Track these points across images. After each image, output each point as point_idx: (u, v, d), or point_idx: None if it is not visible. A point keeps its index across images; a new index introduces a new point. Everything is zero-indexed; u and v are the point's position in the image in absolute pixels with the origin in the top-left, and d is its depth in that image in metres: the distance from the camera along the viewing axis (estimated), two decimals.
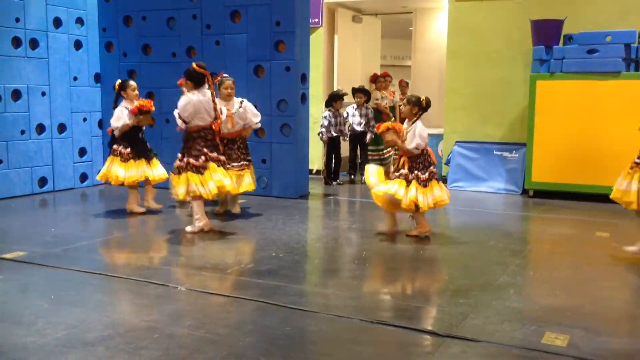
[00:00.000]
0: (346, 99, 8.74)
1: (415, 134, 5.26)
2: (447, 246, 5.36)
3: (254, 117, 6.20)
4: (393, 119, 8.89)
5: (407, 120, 5.46)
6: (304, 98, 7.51)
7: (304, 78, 7.47)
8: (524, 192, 7.81)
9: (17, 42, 7.27)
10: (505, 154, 8.10)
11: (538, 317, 3.50)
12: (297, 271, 4.53)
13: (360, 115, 8.61)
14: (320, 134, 8.47)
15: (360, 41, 10.43)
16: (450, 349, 3.08)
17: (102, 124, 8.23)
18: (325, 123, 8.43)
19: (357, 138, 8.74)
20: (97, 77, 8.29)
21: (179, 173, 5.40)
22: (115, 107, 6.26)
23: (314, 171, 9.24)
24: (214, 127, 5.46)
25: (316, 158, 9.13)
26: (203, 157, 5.37)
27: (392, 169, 5.69)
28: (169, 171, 5.86)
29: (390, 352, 3.08)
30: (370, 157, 9.20)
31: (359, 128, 8.60)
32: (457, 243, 5.44)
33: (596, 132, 7.22)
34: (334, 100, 8.50)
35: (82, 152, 8.12)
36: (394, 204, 5.34)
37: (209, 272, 4.34)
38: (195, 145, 5.39)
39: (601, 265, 4.69)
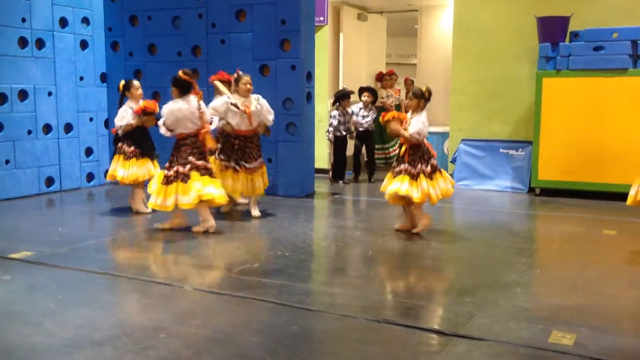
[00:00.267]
0: (352, 97, 8.73)
1: (419, 121, 5.34)
2: (454, 245, 5.35)
3: (269, 114, 6.14)
4: None
5: (411, 112, 5.51)
6: (310, 97, 7.51)
7: (310, 77, 7.46)
8: (531, 190, 7.78)
9: (23, 42, 7.29)
10: (512, 152, 8.07)
11: (545, 316, 3.49)
12: (303, 270, 4.54)
13: (365, 116, 8.58)
14: (328, 133, 8.46)
15: (366, 39, 10.41)
16: (456, 348, 3.08)
17: (109, 123, 8.25)
18: (335, 123, 8.42)
19: (363, 136, 8.73)
20: (104, 77, 8.31)
21: (168, 183, 5.38)
22: (120, 107, 6.29)
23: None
24: (199, 135, 5.43)
25: (322, 157, 9.13)
26: (189, 166, 5.37)
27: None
28: None
29: (397, 352, 3.08)
30: (376, 156, 9.20)
31: (365, 125, 8.58)
32: (464, 241, 5.43)
33: (603, 129, 7.19)
34: (341, 99, 8.49)
35: (89, 151, 8.14)
36: (404, 198, 5.35)
37: (216, 272, 4.35)
38: (182, 153, 5.40)
39: (609, 264, 4.67)
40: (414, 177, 5.29)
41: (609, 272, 4.47)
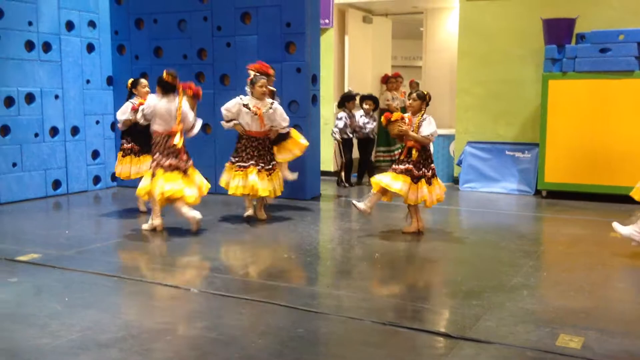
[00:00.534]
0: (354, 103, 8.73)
1: (432, 122, 5.44)
2: (460, 247, 5.34)
3: (283, 120, 6.12)
4: None
5: (411, 113, 5.58)
6: (315, 99, 7.52)
7: (315, 79, 7.47)
8: (537, 192, 7.76)
9: (30, 45, 7.33)
10: (518, 154, 8.05)
11: (552, 319, 3.47)
12: (309, 273, 4.54)
13: (365, 123, 8.56)
14: (334, 134, 8.46)
15: (371, 42, 10.41)
16: (463, 350, 3.06)
17: (115, 126, 8.28)
18: (341, 125, 8.42)
19: (362, 143, 8.71)
20: (110, 80, 8.35)
21: (153, 175, 5.56)
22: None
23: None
24: (171, 134, 5.52)
25: (327, 160, 9.13)
26: (154, 163, 5.51)
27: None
28: None
29: (403, 354, 3.07)
30: (382, 158, 9.20)
31: (366, 131, 8.56)
32: (470, 244, 5.42)
33: (609, 131, 7.16)
34: (346, 100, 8.49)
35: (95, 154, 8.17)
36: (388, 192, 5.47)
37: (221, 274, 4.35)
38: (154, 150, 5.58)
39: (616, 266, 4.65)
40: (415, 180, 5.36)
41: (616, 274, 4.45)
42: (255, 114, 5.94)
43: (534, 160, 7.82)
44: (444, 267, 4.83)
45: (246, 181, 5.92)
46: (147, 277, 4.28)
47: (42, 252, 4.92)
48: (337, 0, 9.44)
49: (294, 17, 7.22)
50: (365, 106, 8.60)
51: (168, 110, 5.52)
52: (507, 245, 5.23)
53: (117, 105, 8.14)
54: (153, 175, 5.52)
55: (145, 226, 5.73)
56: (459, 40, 8.56)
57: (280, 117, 6.09)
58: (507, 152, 8.10)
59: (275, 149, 6.30)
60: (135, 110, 6.12)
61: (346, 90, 9.17)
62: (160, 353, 3.02)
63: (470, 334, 3.23)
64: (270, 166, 6.09)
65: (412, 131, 5.42)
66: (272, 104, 6.05)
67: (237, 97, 6.10)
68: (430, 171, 5.47)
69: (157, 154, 5.53)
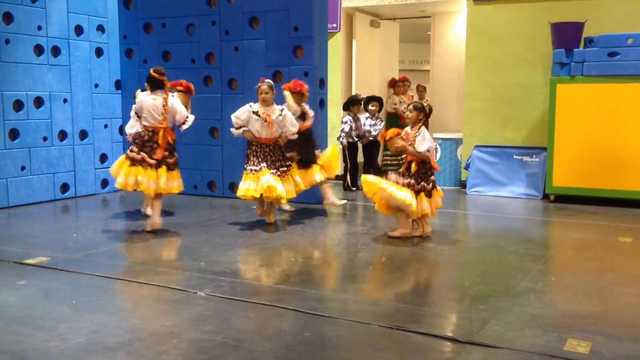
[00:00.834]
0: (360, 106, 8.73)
1: (425, 137, 5.43)
2: (467, 251, 5.33)
3: (292, 126, 6.13)
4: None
5: (410, 126, 5.59)
6: (322, 103, 7.52)
7: (322, 83, 7.48)
8: (545, 196, 7.73)
9: (39, 49, 7.38)
10: (526, 158, 8.02)
11: (560, 324, 3.45)
12: (316, 276, 4.53)
13: (372, 125, 8.57)
14: (340, 138, 8.46)
15: (379, 46, 10.42)
16: (470, 355, 3.05)
17: (123, 130, 8.32)
18: (347, 128, 8.42)
19: (369, 146, 8.70)
20: (118, 84, 8.39)
21: (132, 164, 5.74)
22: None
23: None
24: (156, 130, 5.64)
25: None
26: (132, 154, 5.69)
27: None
28: (182, 178, 5.96)
29: (410, 359, 3.06)
30: (389, 162, 9.17)
31: (375, 133, 8.56)
32: (477, 248, 5.40)
33: (618, 135, 7.13)
34: (352, 104, 8.49)
35: (103, 158, 8.21)
36: (393, 208, 5.50)
37: (229, 278, 4.35)
38: (137, 144, 5.74)
39: (624, 271, 4.62)
40: (416, 192, 5.41)
41: (624, 279, 4.42)
42: (265, 121, 5.95)
43: (542, 164, 7.79)
44: (451, 271, 4.82)
45: (258, 183, 5.88)
46: (154, 281, 4.29)
47: (50, 255, 4.94)
48: (344, 4, 9.45)
49: (301, 22, 7.24)
50: (371, 107, 8.59)
51: (155, 106, 5.64)
52: (515, 249, 5.21)
53: (125, 109, 8.19)
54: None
55: (148, 227, 5.79)
56: (466, 44, 8.55)
57: (290, 124, 6.10)
58: (515, 156, 8.08)
59: (316, 168, 6.52)
60: None
61: (353, 94, 9.18)
62: (167, 356, 3.02)
63: (477, 339, 3.22)
64: (285, 168, 6.12)
65: (410, 145, 5.43)
66: (282, 110, 6.06)
67: (247, 105, 6.10)
68: (430, 184, 5.49)
69: (134, 147, 5.70)
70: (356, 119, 8.48)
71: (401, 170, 5.55)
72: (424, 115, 5.51)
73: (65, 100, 7.69)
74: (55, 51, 7.57)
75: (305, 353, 3.08)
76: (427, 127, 5.76)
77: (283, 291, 4.08)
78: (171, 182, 5.73)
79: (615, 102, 7.16)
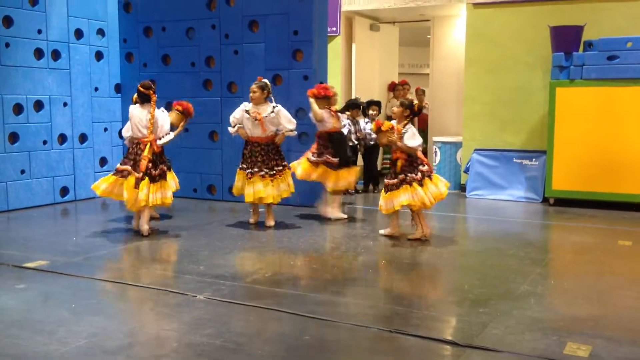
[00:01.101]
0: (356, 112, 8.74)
1: (415, 134, 5.53)
2: (467, 255, 5.32)
3: (288, 123, 6.12)
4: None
5: (396, 122, 5.66)
6: None
7: None
8: (545, 200, 7.73)
9: (39, 53, 7.39)
10: (525, 161, 8.03)
11: (560, 327, 3.45)
12: (315, 280, 4.53)
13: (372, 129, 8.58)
14: None
15: (378, 49, 10.43)
16: (470, 359, 3.05)
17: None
18: (345, 132, 8.41)
19: (369, 151, 8.71)
20: (118, 88, 8.40)
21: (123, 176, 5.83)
22: None
23: None
24: (142, 142, 5.71)
25: None
26: (126, 168, 5.74)
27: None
28: (181, 182, 5.97)
29: None
30: (389, 166, 9.17)
31: (374, 137, 8.56)
32: (477, 252, 5.40)
33: (617, 139, 7.14)
34: (351, 107, 8.50)
35: (103, 161, 8.21)
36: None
37: (228, 281, 4.35)
38: (126, 155, 5.88)
39: (624, 275, 4.62)
40: (410, 183, 5.45)
41: (624, 282, 4.42)
42: (256, 119, 5.98)
43: (542, 167, 7.80)
44: (451, 274, 4.82)
45: (250, 189, 6.02)
46: (154, 284, 4.29)
47: (50, 258, 4.94)
48: (344, 8, 9.47)
49: (301, 25, 7.25)
50: (372, 112, 8.64)
51: (140, 119, 5.74)
52: (515, 252, 5.21)
53: (125, 113, 8.19)
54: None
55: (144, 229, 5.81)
56: (466, 47, 8.56)
57: (285, 120, 6.10)
58: (514, 160, 8.08)
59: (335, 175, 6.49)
60: None
61: (353, 97, 9.19)
62: None
63: (477, 342, 3.22)
64: (274, 172, 6.12)
65: (400, 139, 5.51)
66: (274, 107, 6.09)
67: (242, 104, 6.20)
68: (420, 174, 5.49)
69: (124, 159, 5.83)
70: (355, 122, 8.49)
71: (393, 168, 5.62)
72: (410, 112, 5.59)
73: (65, 104, 7.69)
74: (55, 55, 7.58)
75: (304, 356, 3.08)
76: (421, 127, 5.83)
77: (282, 294, 4.08)
78: (155, 194, 5.68)
79: (615, 106, 7.16)
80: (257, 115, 6.01)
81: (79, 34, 7.84)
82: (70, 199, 7.78)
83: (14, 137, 7.14)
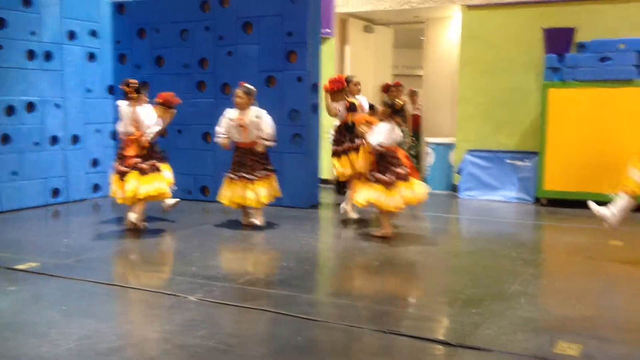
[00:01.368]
0: None
1: (380, 131, 5.52)
2: (459, 255, 5.34)
3: (267, 128, 6.07)
4: (405, 128, 8.87)
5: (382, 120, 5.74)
6: (316, 108, 7.53)
7: (316, 88, 7.49)
8: (537, 200, 7.75)
9: (32, 54, 7.36)
10: (518, 162, 8.05)
11: (551, 327, 3.46)
12: (308, 281, 4.53)
13: None
14: (331, 136, 8.47)
15: (372, 51, 10.45)
16: (463, 359, 3.06)
17: (116, 135, 8.30)
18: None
19: None
20: (111, 89, 8.38)
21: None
22: None
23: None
24: (128, 139, 5.86)
25: (327, 168, 9.12)
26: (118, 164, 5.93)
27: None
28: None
29: None
30: None
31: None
32: (470, 252, 5.41)
33: (609, 139, 7.16)
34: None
35: (95, 163, 8.19)
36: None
37: (220, 282, 4.35)
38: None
39: (615, 275, 4.64)
40: (391, 185, 5.46)
41: (615, 283, 4.44)
42: (240, 125, 6.00)
43: (534, 168, 7.82)
44: (444, 275, 4.82)
45: (234, 193, 6.09)
46: (145, 286, 4.28)
47: (41, 260, 4.92)
48: (338, 9, 9.48)
49: (295, 27, 7.26)
50: None
51: (127, 115, 5.87)
52: (507, 253, 5.22)
53: (118, 114, 8.17)
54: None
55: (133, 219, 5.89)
56: (460, 49, 8.59)
57: (267, 125, 6.05)
58: (507, 161, 8.10)
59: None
60: None
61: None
62: None
63: (469, 342, 3.22)
64: (265, 172, 6.11)
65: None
66: (258, 112, 6.08)
67: (225, 112, 6.17)
68: (392, 175, 5.47)
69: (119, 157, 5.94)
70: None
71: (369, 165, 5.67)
72: (390, 111, 5.63)
73: (57, 105, 7.67)
74: (48, 56, 7.55)
75: (296, 357, 3.08)
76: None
77: (274, 296, 4.08)
78: (147, 186, 5.74)
79: (607, 107, 7.20)
80: (240, 122, 6.01)
81: (71, 35, 7.82)
82: (62, 201, 7.74)
83: (5, 139, 7.10)
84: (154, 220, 6.54)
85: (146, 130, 5.86)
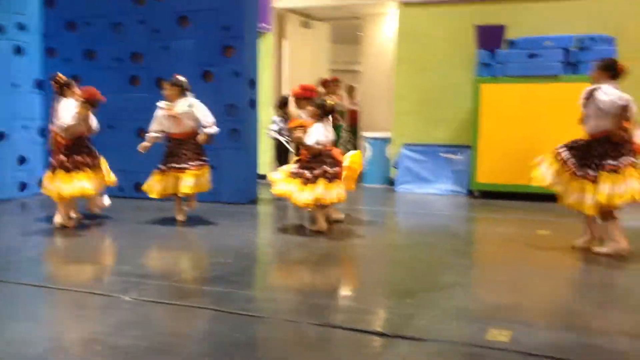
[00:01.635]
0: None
1: (315, 132, 5.59)
2: (395, 248, 5.43)
3: (205, 117, 6.03)
4: (342, 123, 8.94)
5: (311, 120, 5.80)
6: (253, 103, 7.49)
7: (253, 83, 7.45)
8: (470, 193, 7.98)
9: None
10: (452, 156, 8.26)
11: (483, 315, 3.58)
12: (246, 277, 4.51)
13: None
14: (269, 131, 8.47)
15: (310, 46, 10.46)
16: (398, 349, 3.11)
17: (45, 131, 7.99)
18: (276, 128, 8.42)
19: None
20: (39, 84, 8.05)
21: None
22: None
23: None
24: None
25: (264, 163, 9.10)
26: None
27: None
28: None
29: (341, 355, 3.10)
30: None
31: None
32: (406, 245, 5.52)
33: (538, 133, 7.45)
34: (283, 105, 8.48)
35: (22, 160, 7.86)
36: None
37: (156, 281, 4.26)
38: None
39: (542, 263, 4.84)
40: (309, 181, 5.49)
41: (542, 270, 4.63)
42: (171, 116, 5.96)
43: (467, 161, 8.05)
44: (380, 267, 4.90)
45: (166, 185, 6.02)
46: (77, 286, 4.15)
47: None
48: (276, 4, 9.45)
49: (232, 21, 7.18)
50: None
51: (55, 110, 5.81)
52: (441, 245, 5.36)
53: (47, 110, 7.87)
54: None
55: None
56: (397, 45, 8.72)
57: (202, 114, 6.02)
58: (441, 154, 8.31)
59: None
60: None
61: (284, 94, 9.17)
62: None
63: (405, 332, 3.29)
64: (200, 162, 6.04)
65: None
66: (190, 102, 6.02)
67: (159, 103, 6.12)
68: (324, 172, 5.49)
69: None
70: (286, 119, 8.47)
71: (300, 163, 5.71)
72: (321, 111, 5.67)
73: None
74: None
75: (234, 354, 3.06)
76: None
77: (212, 292, 4.03)
78: (70, 185, 5.64)
79: (535, 101, 7.48)
80: (169, 111, 5.93)
81: None
82: None
83: None
84: (85, 219, 6.35)
85: (57, 124, 5.74)
